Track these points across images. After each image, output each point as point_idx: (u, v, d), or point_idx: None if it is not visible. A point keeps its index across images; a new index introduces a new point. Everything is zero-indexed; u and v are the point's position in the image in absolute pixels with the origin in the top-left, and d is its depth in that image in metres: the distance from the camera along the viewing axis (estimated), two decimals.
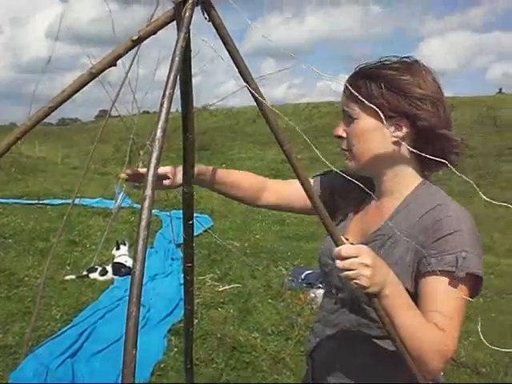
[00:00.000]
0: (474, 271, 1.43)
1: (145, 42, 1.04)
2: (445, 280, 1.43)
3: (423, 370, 1.41)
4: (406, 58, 1.59)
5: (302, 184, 1.26)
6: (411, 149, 1.42)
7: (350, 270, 1.29)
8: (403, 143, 1.52)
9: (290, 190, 1.94)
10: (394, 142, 1.55)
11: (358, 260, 1.29)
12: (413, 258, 1.50)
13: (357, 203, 1.80)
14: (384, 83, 1.51)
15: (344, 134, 1.63)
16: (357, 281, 1.30)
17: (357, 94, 1.34)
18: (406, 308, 1.38)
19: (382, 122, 1.41)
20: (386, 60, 1.58)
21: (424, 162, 1.53)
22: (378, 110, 1.33)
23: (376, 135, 1.56)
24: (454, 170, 1.37)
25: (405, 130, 1.53)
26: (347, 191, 1.82)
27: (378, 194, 1.67)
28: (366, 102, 1.32)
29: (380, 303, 1.35)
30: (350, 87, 1.39)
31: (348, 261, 1.29)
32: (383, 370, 1.58)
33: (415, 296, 1.47)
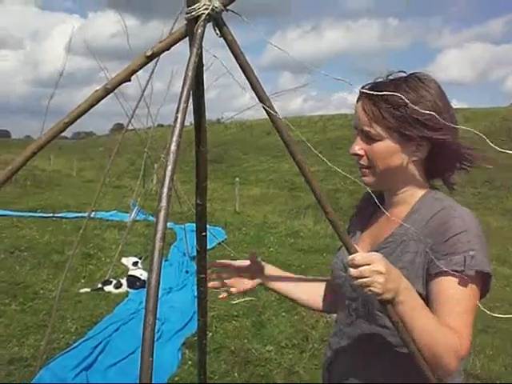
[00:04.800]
0: (482, 269, 1.46)
1: (162, 55, 1.06)
2: (454, 280, 1.46)
3: (440, 372, 1.43)
4: (416, 74, 1.62)
5: (315, 194, 1.27)
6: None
7: (363, 277, 1.31)
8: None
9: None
10: (413, 161, 1.62)
11: (372, 267, 1.30)
12: (422, 261, 1.53)
13: (368, 217, 1.85)
14: (405, 110, 1.54)
15: (361, 152, 1.65)
16: (371, 288, 1.31)
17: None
18: (420, 313, 1.39)
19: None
20: (399, 79, 1.62)
21: (432, 172, 1.62)
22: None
23: (398, 156, 1.61)
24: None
25: (424, 150, 1.60)
26: (361, 208, 1.92)
27: (388, 206, 1.73)
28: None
29: (395, 310, 1.36)
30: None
31: (361, 268, 1.30)
32: (400, 378, 1.59)
33: (426, 298, 1.49)
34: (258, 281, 1.99)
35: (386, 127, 1.56)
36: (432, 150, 1.59)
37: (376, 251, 1.48)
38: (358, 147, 1.65)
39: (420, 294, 1.45)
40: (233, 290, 1.95)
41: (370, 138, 1.62)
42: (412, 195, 1.67)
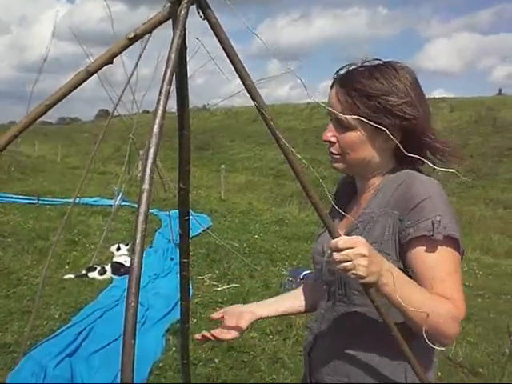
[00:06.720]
0: (450, 233, 1.47)
1: (150, 42, 1.05)
2: (426, 246, 1.48)
3: (444, 340, 1.46)
4: (391, 63, 1.64)
5: (298, 178, 1.27)
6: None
7: (347, 261, 1.31)
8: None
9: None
10: (384, 150, 1.65)
11: (355, 250, 1.30)
12: (391, 234, 1.55)
13: (344, 206, 1.84)
14: (378, 101, 1.57)
15: (333, 139, 1.67)
16: (354, 271, 1.31)
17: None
18: (410, 290, 1.40)
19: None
20: (374, 67, 1.63)
21: (404, 158, 1.61)
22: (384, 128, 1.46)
23: (369, 146, 1.64)
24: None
25: (396, 138, 1.59)
26: (337, 197, 1.94)
27: (359, 191, 1.78)
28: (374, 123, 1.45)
29: (381, 292, 1.37)
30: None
31: (345, 252, 1.30)
32: (383, 352, 1.61)
33: (405, 271, 1.50)
34: (245, 321, 1.93)
35: (359, 117, 1.57)
36: (403, 138, 1.59)
37: (348, 234, 1.49)
38: (331, 134, 1.68)
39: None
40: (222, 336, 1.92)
41: (342, 127, 1.64)
42: (379, 178, 1.70)
